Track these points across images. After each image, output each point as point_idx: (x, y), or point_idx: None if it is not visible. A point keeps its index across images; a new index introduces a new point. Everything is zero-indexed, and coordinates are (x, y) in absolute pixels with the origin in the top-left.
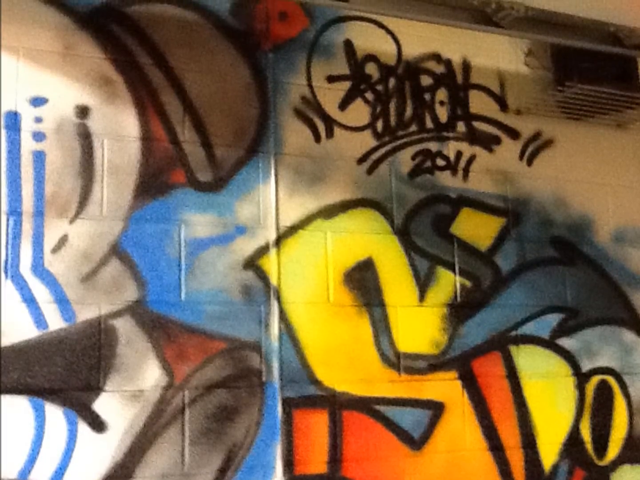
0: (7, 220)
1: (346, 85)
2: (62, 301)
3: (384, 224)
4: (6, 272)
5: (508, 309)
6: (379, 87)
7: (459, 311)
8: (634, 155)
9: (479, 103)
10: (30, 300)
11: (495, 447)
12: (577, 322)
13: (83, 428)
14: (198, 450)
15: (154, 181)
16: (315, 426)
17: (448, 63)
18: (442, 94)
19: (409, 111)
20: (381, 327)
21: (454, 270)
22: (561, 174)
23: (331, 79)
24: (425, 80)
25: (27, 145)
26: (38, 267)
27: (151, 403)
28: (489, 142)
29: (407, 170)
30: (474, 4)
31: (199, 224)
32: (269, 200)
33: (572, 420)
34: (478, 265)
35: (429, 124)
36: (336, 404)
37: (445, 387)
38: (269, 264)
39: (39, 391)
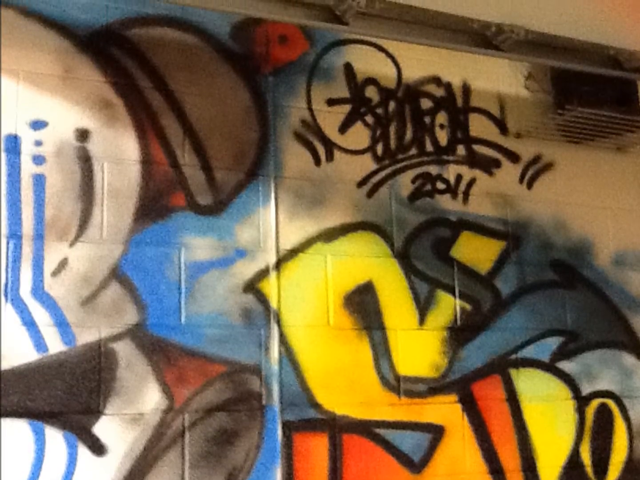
0: (7, 243)
1: (346, 108)
2: (62, 324)
3: (384, 247)
4: (6, 296)
5: (508, 332)
6: (379, 111)
7: (459, 334)
8: (634, 178)
9: (479, 126)
10: (30, 323)
11: (496, 470)
12: (577, 346)
13: (83, 451)
14: (198, 473)
15: (154, 204)
16: (315, 449)
17: (448, 86)
18: (442, 117)
19: (409, 134)
20: (381, 350)
21: (454, 294)
22: (561, 197)
23: (331, 102)
24: (425, 104)
25: (27, 168)
26: (38, 291)
27: (151, 426)
28: (489, 166)
29: (407, 193)
30: (474, 27)
31: (199, 247)
32: (269, 223)
33: (572, 443)
34: (478, 289)
35: (429, 147)
36: (336, 427)
37: (445, 410)
38: (269, 287)
39: (39, 414)
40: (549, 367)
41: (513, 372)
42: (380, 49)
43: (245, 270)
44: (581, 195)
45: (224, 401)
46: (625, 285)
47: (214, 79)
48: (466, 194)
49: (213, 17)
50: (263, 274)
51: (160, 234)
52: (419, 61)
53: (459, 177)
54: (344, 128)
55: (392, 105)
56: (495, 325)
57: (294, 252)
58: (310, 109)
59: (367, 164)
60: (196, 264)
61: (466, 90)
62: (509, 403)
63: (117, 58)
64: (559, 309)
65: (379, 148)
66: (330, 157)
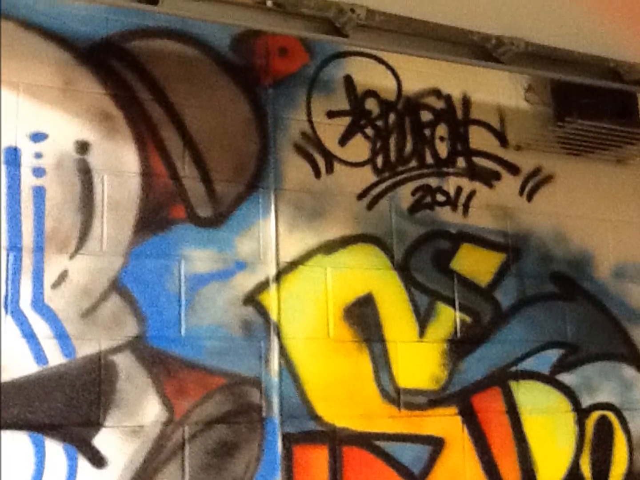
0: (7, 255)
1: (346, 120)
2: (62, 336)
3: (384, 259)
4: (6, 308)
5: (508, 344)
6: (379, 123)
7: (459, 347)
8: (634, 190)
9: (479, 138)
10: (30, 335)
11: None
12: (577, 358)
13: (83, 463)
14: None
15: (154, 217)
16: (315, 462)
17: (448, 98)
18: (442, 130)
19: (409, 147)
20: (381, 362)
21: (454, 306)
22: (561, 210)
23: (331, 114)
24: (425, 116)
25: (27, 180)
26: (38, 303)
27: (151, 438)
28: (489, 178)
29: (407, 205)
30: (474, 39)
31: (199, 260)
32: (269, 235)
33: (572, 455)
34: (478, 301)
35: (429, 159)
36: (336, 440)
37: (445, 422)
38: (269, 299)
39: (39, 427)
40: (549, 380)
41: (513, 384)
42: (380, 61)
43: (245, 282)
44: (581, 207)
45: (224, 413)
46: (625, 298)
47: (214, 91)
48: (466, 206)
49: (213, 29)
50: (263, 286)
51: (160, 246)
52: (419, 73)
53: (459, 190)
54: (344, 140)
55: (392, 117)
56: (495, 337)
57: (294, 265)
58: (310, 121)
59: (367, 176)
60: (196, 276)
61: (466, 102)
62: (509, 415)
63: (117, 70)
64: (559, 321)
65: (379, 160)
66: (330, 169)
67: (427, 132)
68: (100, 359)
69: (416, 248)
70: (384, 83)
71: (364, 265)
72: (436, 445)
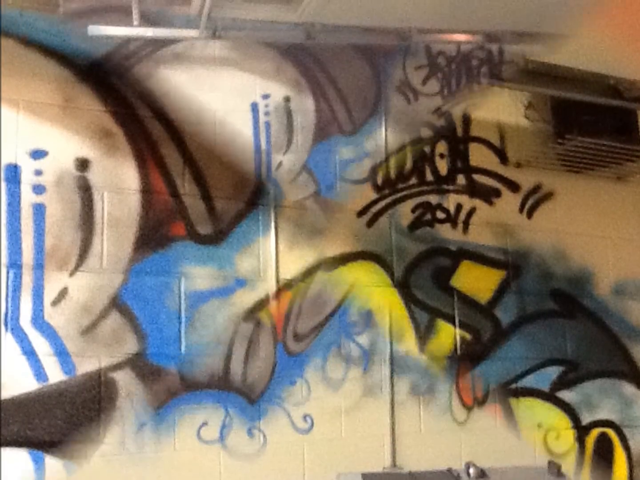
0: (7, 272)
1: None
2: (62, 354)
3: (384, 276)
4: (6, 325)
5: (508, 361)
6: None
7: (459, 364)
8: (634, 207)
9: (479, 156)
10: (30, 352)
11: None
12: (577, 375)
13: None
14: None
15: (154, 234)
16: None
17: (448, 116)
18: (442, 147)
19: (409, 164)
20: None
21: (454, 323)
22: (561, 227)
23: None
24: (425, 133)
25: (27, 198)
26: (38, 320)
27: None
28: (489, 195)
29: (407, 223)
30: None
31: (199, 277)
32: (269, 252)
33: (573, 473)
34: (478, 318)
35: (429, 176)
36: None
37: None
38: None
39: (39, 444)
40: (549, 397)
41: (513, 401)
42: None
43: (245, 299)
44: (581, 224)
45: None
46: (625, 315)
47: None
48: (466, 224)
49: None
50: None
51: (160, 264)
52: None
53: (459, 207)
54: None
55: None
56: (495, 354)
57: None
58: None
59: (367, 193)
60: (196, 294)
61: (466, 119)
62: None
63: (117, 87)
64: (559, 338)
65: (379, 177)
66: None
67: (427, 149)
68: (100, 376)
69: (416, 265)
70: None
71: (364, 282)
72: None
